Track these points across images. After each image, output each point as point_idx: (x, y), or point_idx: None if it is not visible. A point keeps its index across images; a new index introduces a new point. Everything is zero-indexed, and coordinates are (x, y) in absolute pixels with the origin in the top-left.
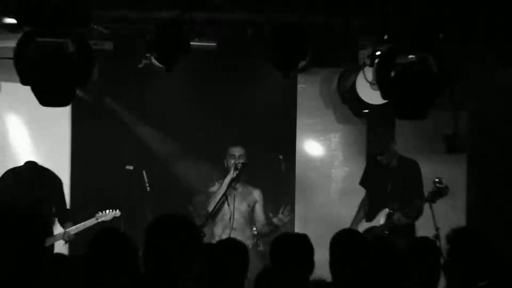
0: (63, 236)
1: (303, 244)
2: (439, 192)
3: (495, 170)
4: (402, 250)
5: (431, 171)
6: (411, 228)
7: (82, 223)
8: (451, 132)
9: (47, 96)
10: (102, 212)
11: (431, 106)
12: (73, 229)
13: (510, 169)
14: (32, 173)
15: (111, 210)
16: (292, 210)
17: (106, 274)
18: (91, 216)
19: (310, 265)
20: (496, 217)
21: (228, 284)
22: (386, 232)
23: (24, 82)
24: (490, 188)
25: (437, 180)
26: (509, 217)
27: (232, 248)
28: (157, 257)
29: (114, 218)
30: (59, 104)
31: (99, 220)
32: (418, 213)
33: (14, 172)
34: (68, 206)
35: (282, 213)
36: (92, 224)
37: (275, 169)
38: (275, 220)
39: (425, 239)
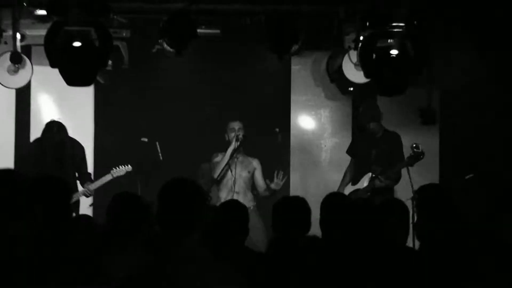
0: (84, 192)
1: (302, 205)
2: (416, 156)
3: (464, 138)
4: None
5: (408, 140)
6: (391, 191)
7: (99, 180)
8: (425, 106)
9: (73, 77)
10: (116, 168)
11: (408, 84)
12: (92, 186)
13: (476, 138)
14: (53, 136)
15: (124, 166)
16: (288, 176)
17: (123, 232)
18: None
19: (307, 224)
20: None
21: (231, 240)
22: (369, 193)
23: (53, 65)
24: (460, 155)
25: (414, 145)
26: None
27: (233, 207)
28: (168, 215)
29: (127, 172)
30: (83, 83)
31: (114, 175)
32: (398, 176)
33: (38, 140)
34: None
35: (277, 177)
36: (108, 179)
37: (272, 141)
38: (272, 185)
39: (396, 200)
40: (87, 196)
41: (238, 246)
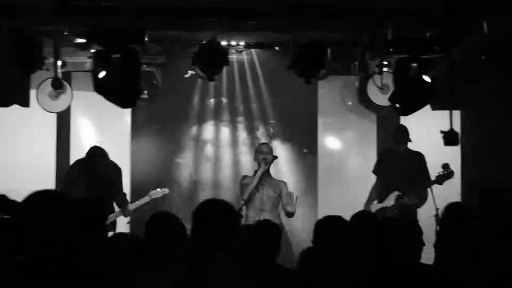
0: (123, 213)
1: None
2: (447, 175)
3: (485, 159)
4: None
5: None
6: (414, 209)
7: (138, 201)
8: (447, 129)
9: (116, 100)
10: (154, 191)
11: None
12: (131, 206)
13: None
14: (96, 161)
15: (161, 189)
16: (315, 194)
17: (160, 250)
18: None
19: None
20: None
21: (264, 257)
22: (396, 211)
23: (98, 91)
24: (482, 175)
25: (444, 164)
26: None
27: (266, 226)
28: (202, 235)
29: (164, 195)
30: (125, 106)
31: (152, 197)
32: (425, 194)
33: (80, 162)
34: (127, 192)
35: (291, 200)
36: (146, 201)
37: (301, 162)
38: (288, 207)
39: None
40: (125, 216)
41: (270, 263)
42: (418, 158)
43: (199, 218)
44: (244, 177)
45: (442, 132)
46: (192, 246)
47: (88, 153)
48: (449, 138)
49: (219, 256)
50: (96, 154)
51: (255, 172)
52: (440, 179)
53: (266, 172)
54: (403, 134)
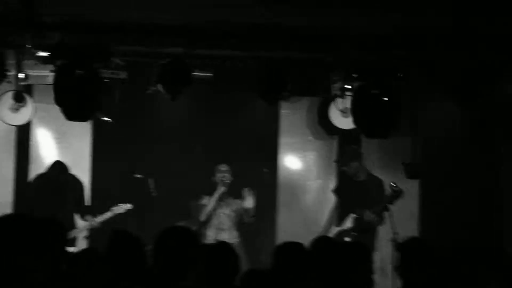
0: (88, 226)
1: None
2: (396, 194)
3: (445, 186)
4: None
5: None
6: (373, 232)
7: (101, 216)
8: (409, 161)
9: (71, 114)
10: (117, 206)
11: (391, 129)
12: (94, 221)
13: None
14: (58, 175)
15: (124, 204)
16: (274, 215)
17: (123, 271)
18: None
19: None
20: (445, 224)
21: (225, 279)
22: (354, 233)
23: (56, 102)
24: (440, 199)
25: (393, 184)
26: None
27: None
28: (165, 265)
29: (127, 210)
30: (80, 119)
31: (115, 212)
32: (381, 217)
33: (41, 177)
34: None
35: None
36: (109, 216)
37: (260, 181)
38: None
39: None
40: (90, 228)
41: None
42: (377, 183)
43: (160, 248)
44: (201, 197)
45: (403, 164)
46: (154, 275)
47: (49, 167)
48: (411, 171)
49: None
50: (57, 168)
51: (214, 192)
52: (390, 199)
53: (225, 192)
54: (351, 152)
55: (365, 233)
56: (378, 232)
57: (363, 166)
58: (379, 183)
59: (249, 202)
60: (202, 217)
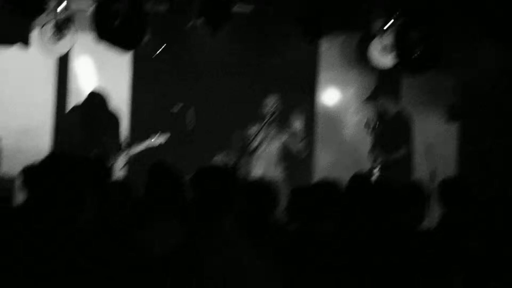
0: (122, 156)
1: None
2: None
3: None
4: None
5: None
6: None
7: (137, 147)
8: (450, 103)
9: (113, 45)
10: (154, 137)
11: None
12: (130, 152)
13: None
14: (95, 106)
15: (160, 134)
16: (312, 149)
17: (158, 203)
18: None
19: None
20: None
21: (263, 218)
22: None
23: (98, 35)
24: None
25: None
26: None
27: (263, 187)
28: (201, 202)
29: (163, 142)
30: (123, 51)
31: (151, 143)
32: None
33: (79, 108)
34: (124, 138)
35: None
36: (145, 146)
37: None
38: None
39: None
40: (124, 162)
41: (270, 224)
42: (405, 121)
43: (197, 187)
44: (250, 127)
45: (444, 106)
46: (191, 212)
47: (87, 99)
48: (453, 113)
49: (220, 222)
50: (95, 98)
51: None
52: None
53: (272, 124)
54: (380, 87)
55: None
56: (413, 168)
57: (392, 104)
58: (407, 120)
59: (296, 125)
60: (250, 147)
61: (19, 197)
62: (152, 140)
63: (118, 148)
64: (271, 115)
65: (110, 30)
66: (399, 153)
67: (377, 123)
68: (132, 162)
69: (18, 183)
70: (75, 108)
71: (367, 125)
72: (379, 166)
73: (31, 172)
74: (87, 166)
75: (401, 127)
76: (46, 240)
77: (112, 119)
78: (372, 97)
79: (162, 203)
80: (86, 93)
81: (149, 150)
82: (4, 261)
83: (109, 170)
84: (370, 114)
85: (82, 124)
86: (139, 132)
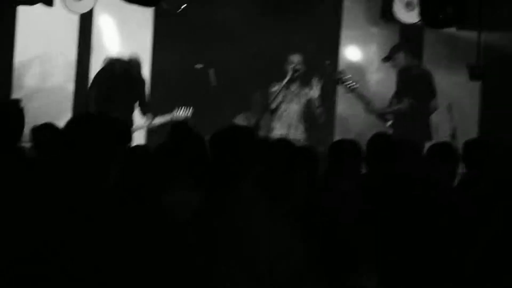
0: (144, 126)
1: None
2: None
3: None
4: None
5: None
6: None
7: (160, 118)
8: (473, 63)
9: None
10: (178, 111)
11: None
12: (152, 122)
13: None
14: (121, 69)
15: (185, 109)
16: (333, 107)
17: (179, 166)
18: (169, 111)
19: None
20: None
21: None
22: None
23: None
24: (500, 104)
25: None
26: None
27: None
28: (221, 163)
29: (187, 116)
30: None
31: (174, 117)
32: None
33: (105, 70)
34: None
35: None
36: (168, 119)
37: (323, 73)
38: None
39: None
40: (147, 128)
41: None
42: (423, 76)
43: (216, 148)
44: (273, 84)
45: (467, 66)
46: (212, 172)
47: (112, 67)
48: (475, 72)
49: (241, 184)
50: (121, 68)
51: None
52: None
53: (295, 82)
54: (395, 49)
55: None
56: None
57: (409, 58)
58: (425, 76)
59: (315, 91)
60: (273, 104)
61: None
62: (176, 113)
63: (142, 113)
64: (293, 74)
65: None
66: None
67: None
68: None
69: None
70: (102, 70)
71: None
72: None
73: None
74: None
75: (421, 80)
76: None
77: (138, 83)
78: (390, 56)
79: (184, 166)
80: (109, 50)
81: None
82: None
83: (131, 134)
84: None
85: (107, 86)
86: (161, 93)
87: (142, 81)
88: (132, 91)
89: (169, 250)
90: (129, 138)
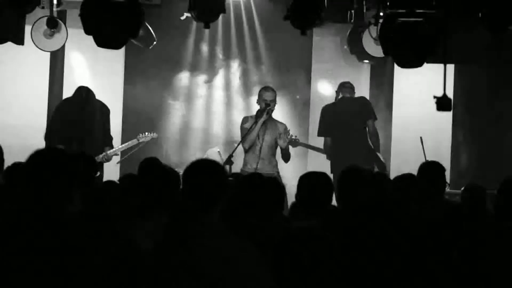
0: (102, 159)
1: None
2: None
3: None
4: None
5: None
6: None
7: (125, 144)
8: (440, 93)
9: (104, 41)
10: (143, 134)
11: (424, 59)
12: (112, 151)
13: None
14: (84, 101)
15: (150, 133)
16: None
17: (150, 199)
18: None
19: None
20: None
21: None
22: None
23: (87, 32)
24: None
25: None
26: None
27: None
28: (192, 195)
29: (152, 139)
30: (113, 47)
31: (140, 140)
32: None
33: (68, 101)
34: (118, 132)
35: (284, 137)
36: (134, 144)
37: (294, 108)
38: (280, 142)
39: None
40: (104, 162)
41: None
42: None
43: (188, 180)
44: (246, 119)
45: (435, 97)
46: (179, 205)
47: (75, 93)
48: (442, 103)
49: (208, 214)
50: (84, 94)
51: (257, 114)
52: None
53: (265, 118)
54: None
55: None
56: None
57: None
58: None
59: (283, 143)
60: (246, 146)
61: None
62: (140, 138)
63: (106, 143)
64: (268, 112)
65: (99, 26)
66: None
67: None
68: (122, 158)
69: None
70: (64, 101)
71: None
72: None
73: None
74: (74, 161)
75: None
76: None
77: (101, 112)
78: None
79: (153, 199)
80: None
81: (137, 147)
82: None
83: (97, 165)
84: None
85: (70, 117)
86: (132, 125)
87: (106, 109)
88: (96, 119)
89: (129, 278)
90: (94, 168)
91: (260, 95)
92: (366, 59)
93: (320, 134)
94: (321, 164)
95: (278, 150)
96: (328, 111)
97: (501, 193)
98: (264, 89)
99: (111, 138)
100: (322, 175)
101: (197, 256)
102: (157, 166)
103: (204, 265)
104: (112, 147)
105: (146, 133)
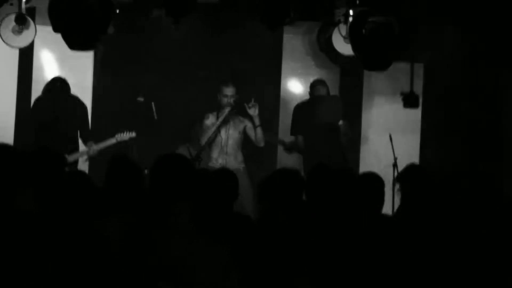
0: (88, 152)
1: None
2: None
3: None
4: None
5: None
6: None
7: (103, 142)
8: (408, 90)
9: (74, 41)
10: (121, 133)
11: (391, 61)
12: (96, 147)
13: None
14: (61, 94)
15: (128, 132)
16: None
17: (117, 194)
18: (111, 136)
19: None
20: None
21: (221, 207)
22: None
23: (55, 29)
24: (440, 128)
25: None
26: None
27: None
28: (159, 190)
29: (130, 138)
30: (84, 48)
31: (118, 139)
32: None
33: (41, 99)
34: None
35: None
36: (112, 143)
37: (262, 106)
38: (250, 111)
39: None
40: (89, 155)
41: (227, 213)
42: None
43: (156, 175)
44: (208, 116)
45: (402, 94)
46: (150, 201)
47: (48, 84)
48: (409, 100)
49: (174, 211)
50: (58, 85)
51: (218, 110)
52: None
53: (232, 114)
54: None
55: None
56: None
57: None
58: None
59: (253, 110)
60: (203, 140)
61: None
62: (119, 136)
63: (83, 140)
64: (232, 105)
65: (69, 25)
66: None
67: None
68: (95, 156)
69: None
70: (37, 100)
71: None
72: None
73: None
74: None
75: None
76: None
77: (77, 109)
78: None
79: (121, 194)
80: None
81: (114, 146)
82: None
83: (65, 161)
84: None
85: (45, 115)
86: (103, 123)
87: (83, 107)
88: (70, 114)
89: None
90: (62, 164)
91: (220, 90)
92: (336, 58)
93: (293, 133)
94: (293, 161)
95: (253, 146)
96: (301, 110)
97: (407, 182)
98: (225, 84)
99: (90, 133)
100: (294, 172)
101: (162, 261)
102: (125, 163)
103: (169, 270)
104: (94, 141)
105: (125, 132)
